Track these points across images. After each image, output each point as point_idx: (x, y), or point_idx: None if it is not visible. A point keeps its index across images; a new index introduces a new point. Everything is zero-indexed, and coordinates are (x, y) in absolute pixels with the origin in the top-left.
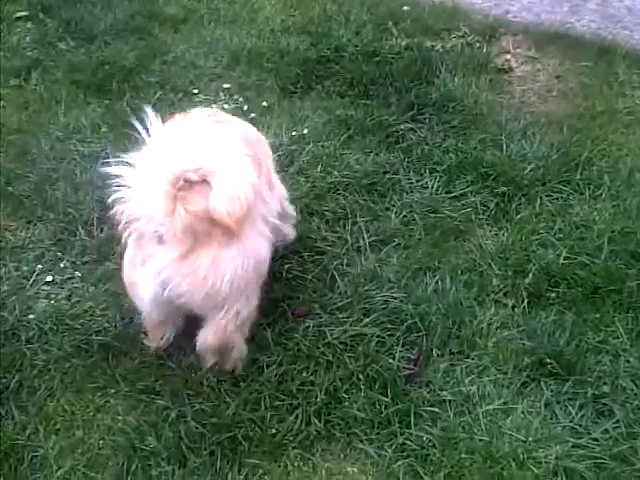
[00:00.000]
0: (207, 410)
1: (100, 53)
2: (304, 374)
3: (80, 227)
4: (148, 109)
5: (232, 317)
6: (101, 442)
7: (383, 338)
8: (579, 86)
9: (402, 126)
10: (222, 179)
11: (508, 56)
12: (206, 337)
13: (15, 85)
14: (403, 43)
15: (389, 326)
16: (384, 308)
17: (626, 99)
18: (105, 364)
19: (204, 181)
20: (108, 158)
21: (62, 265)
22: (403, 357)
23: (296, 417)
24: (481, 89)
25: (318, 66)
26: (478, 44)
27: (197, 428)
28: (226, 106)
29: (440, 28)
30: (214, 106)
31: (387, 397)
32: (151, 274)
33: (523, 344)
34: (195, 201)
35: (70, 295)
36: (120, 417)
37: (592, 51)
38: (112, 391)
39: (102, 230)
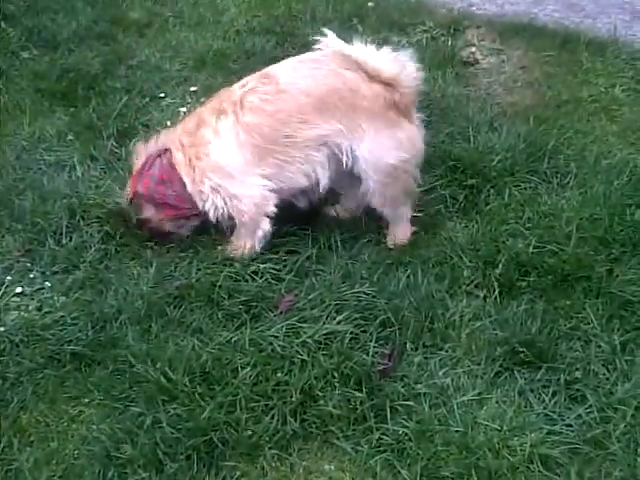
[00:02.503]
0: (182, 415)
1: (64, 60)
2: (279, 374)
3: (49, 237)
4: None
5: None
6: (76, 452)
7: (357, 334)
8: (544, 76)
9: None
10: None
11: (473, 49)
12: None
13: None
14: (369, 38)
15: (362, 322)
16: (357, 304)
17: (590, 87)
18: (78, 374)
19: None
20: (75, 166)
21: (32, 276)
22: (377, 352)
23: (272, 417)
24: (447, 82)
25: None
26: (443, 38)
27: (172, 433)
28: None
29: (405, 23)
30: (181, 110)
31: (362, 393)
32: None
33: (496, 334)
34: None
35: (41, 306)
36: (94, 426)
37: (556, 40)
38: (86, 400)
39: (71, 239)
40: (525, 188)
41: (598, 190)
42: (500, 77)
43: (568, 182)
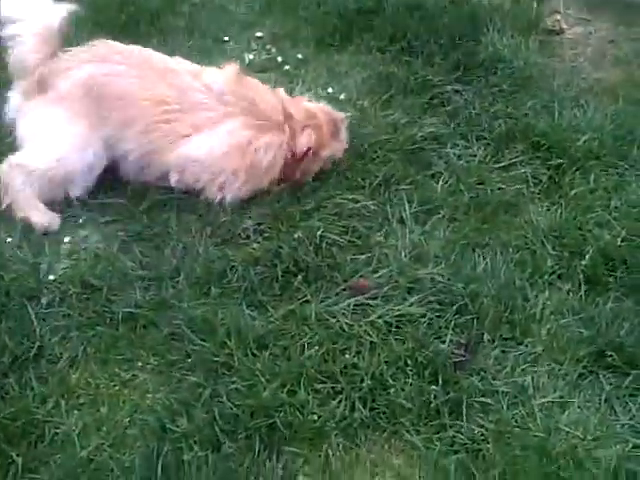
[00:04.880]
0: (242, 390)
1: None
2: (346, 355)
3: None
4: None
5: None
6: (128, 421)
7: (431, 320)
8: (634, 53)
9: (448, 87)
10: None
11: (558, 16)
12: None
13: None
14: None
15: (437, 307)
16: (431, 287)
17: None
18: (132, 334)
19: None
20: None
21: (83, 223)
22: (452, 341)
23: (339, 402)
24: (531, 50)
25: (357, 17)
26: (527, 2)
27: (232, 409)
28: (259, 57)
29: None
30: (245, 55)
31: (437, 386)
32: None
33: (580, 332)
34: None
35: (93, 256)
36: (149, 394)
37: None
38: (139, 364)
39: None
40: (612, 174)
41: None
42: (587, 50)
43: None
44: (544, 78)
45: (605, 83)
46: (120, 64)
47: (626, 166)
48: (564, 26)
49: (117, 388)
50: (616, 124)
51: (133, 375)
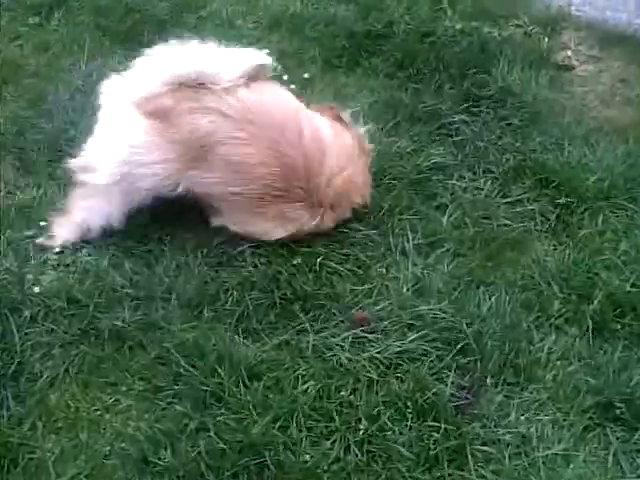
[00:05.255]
0: (231, 424)
1: None
2: (342, 392)
3: None
4: None
5: None
6: (108, 449)
7: (432, 359)
8: None
9: (456, 117)
10: None
11: (569, 52)
12: None
13: (34, 24)
14: (458, 26)
15: (439, 345)
16: (433, 324)
17: None
18: (117, 355)
19: None
20: None
21: None
22: (453, 382)
23: (333, 443)
24: (541, 85)
25: (366, 41)
26: (538, 36)
27: (219, 444)
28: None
29: (498, 14)
30: None
31: (438, 432)
32: None
33: (586, 381)
34: None
35: (81, 270)
36: (132, 422)
37: None
38: (124, 389)
39: None
40: (622, 216)
41: None
42: (597, 88)
43: None
44: (553, 114)
45: (615, 122)
46: (241, 130)
47: (636, 209)
48: (574, 62)
49: (98, 413)
50: (627, 165)
51: (116, 400)
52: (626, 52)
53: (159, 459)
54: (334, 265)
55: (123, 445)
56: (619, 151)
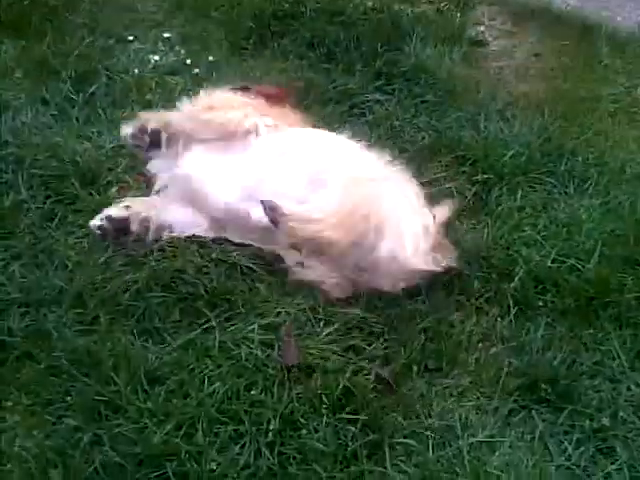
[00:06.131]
0: (129, 435)
1: None
2: (253, 391)
3: None
4: None
5: None
6: None
7: (345, 349)
8: (560, 67)
9: (369, 97)
10: None
11: (482, 28)
12: None
13: None
14: (369, 3)
15: (357, 334)
16: (344, 316)
17: (610, 85)
18: (2, 368)
19: None
20: (20, 109)
21: None
22: (371, 372)
23: (242, 447)
24: (455, 61)
25: (274, 21)
26: (451, 12)
27: (116, 458)
28: (166, 59)
29: None
30: (152, 57)
31: (355, 427)
32: None
33: (510, 362)
34: None
35: None
36: (17, 440)
37: (573, 30)
38: (9, 404)
39: (7, 195)
40: (540, 191)
41: (623, 202)
42: (511, 62)
43: (587, 189)
44: (468, 90)
45: (531, 97)
46: None
47: (554, 182)
48: (488, 38)
49: None
50: (543, 139)
51: (1, 418)
52: (539, 26)
53: (49, 479)
54: (246, 262)
55: (8, 467)
56: (535, 125)
